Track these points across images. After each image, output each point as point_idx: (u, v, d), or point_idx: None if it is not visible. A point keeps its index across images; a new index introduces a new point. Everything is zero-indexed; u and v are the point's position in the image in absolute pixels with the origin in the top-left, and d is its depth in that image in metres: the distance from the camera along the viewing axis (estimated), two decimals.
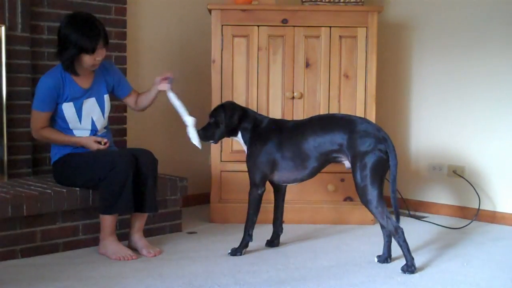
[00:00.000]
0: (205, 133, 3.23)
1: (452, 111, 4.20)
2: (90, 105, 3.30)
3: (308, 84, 3.89)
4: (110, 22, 3.76)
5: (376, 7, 3.92)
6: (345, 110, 3.85)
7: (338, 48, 3.88)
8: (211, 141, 3.28)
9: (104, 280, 2.76)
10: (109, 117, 3.44)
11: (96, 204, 3.20)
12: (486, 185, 4.06)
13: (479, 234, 3.73)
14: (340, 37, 3.87)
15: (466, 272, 2.97)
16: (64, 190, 3.15)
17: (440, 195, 4.28)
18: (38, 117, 3.23)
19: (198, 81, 4.45)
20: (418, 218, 4.12)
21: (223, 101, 3.76)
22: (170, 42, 4.36)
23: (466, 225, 3.88)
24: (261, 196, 3.20)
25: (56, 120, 3.27)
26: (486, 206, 4.04)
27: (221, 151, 3.89)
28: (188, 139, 3.24)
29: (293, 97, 3.88)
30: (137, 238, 3.23)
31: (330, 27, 3.86)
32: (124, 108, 3.87)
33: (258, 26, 3.86)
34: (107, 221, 3.12)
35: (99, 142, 3.22)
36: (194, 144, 3.23)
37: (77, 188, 3.19)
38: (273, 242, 3.38)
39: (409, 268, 2.91)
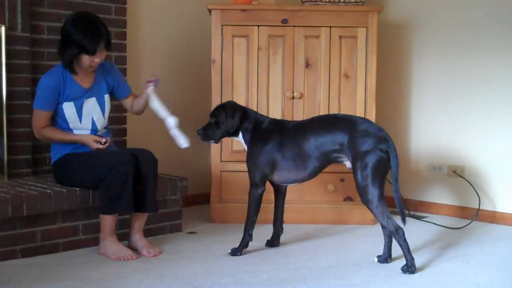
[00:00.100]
0: (206, 132, 3.23)
1: (452, 111, 4.20)
2: (91, 105, 3.30)
3: (308, 84, 3.89)
4: (110, 22, 3.76)
5: (376, 7, 3.92)
6: (345, 110, 3.86)
7: (338, 48, 3.88)
8: (212, 140, 3.28)
9: (104, 280, 2.76)
10: (109, 117, 3.44)
11: (96, 204, 3.20)
12: (486, 185, 4.06)
13: (479, 234, 3.73)
14: (340, 37, 3.87)
15: (466, 272, 2.97)
16: (64, 190, 3.15)
17: (440, 195, 4.28)
18: (40, 117, 3.23)
19: (198, 81, 4.45)
20: (418, 218, 4.12)
21: (223, 101, 3.76)
22: (170, 42, 4.36)
23: (466, 225, 3.88)
24: (261, 196, 3.20)
25: (56, 119, 3.27)
26: (486, 206, 4.04)
27: (221, 151, 3.89)
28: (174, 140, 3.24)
29: (293, 97, 3.88)
30: (137, 238, 3.23)
31: (330, 27, 3.86)
32: (124, 108, 3.87)
33: (258, 26, 3.86)
34: (107, 221, 3.12)
35: (100, 142, 3.22)
36: (181, 145, 3.23)
37: (77, 188, 3.19)
38: (273, 242, 3.38)
39: (409, 268, 2.91)
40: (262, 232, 3.43)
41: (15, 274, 2.83)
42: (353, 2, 3.95)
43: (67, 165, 3.23)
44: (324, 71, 3.88)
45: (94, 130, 3.31)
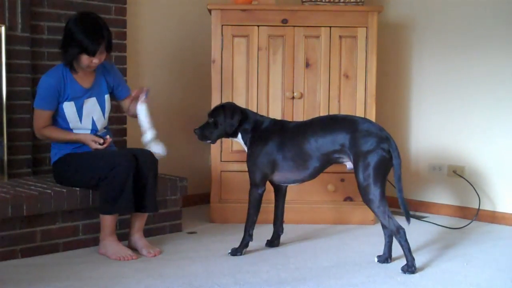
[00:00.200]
0: (203, 132, 3.23)
1: (452, 111, 4.20)
2: (91, 105, 3.30)
3: (308, 84, 3.89)
4: (110, 22, 3.74)
5: (376, 7, 3.92)
6: (345, 110, 3.86)
7: (338, 48, 3.87)
8: (209, 141, 3.27)
9: (104, 280, 2.76)
10: (109, 117, 3.44)
11: (96, 204, 3.20)
12: (486, 185, 4.06)
13: (479, 234, 3.73)
14: (340, 37, 3.87)
15: (466, 272, 2.97)
16: (64, 190, 3.15)
17: (440, 195, 4.28)
18: (40, 116, 3.23)
19: (198, 81, 4.45)
20: (418, 218, 4.12)
21: (223, 101, 3.77)
22: (170, 42, 4.36)
23: (466, 225, 3.88)
24: (261, 196, 3.20)
25: (56, 119, 3.27)
26: (486, 206, 4.04)
27: (221, 151, 3.89)
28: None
29: (293, 97, 3.88)
30: (137, 238, 3.23)
31: (330, 27, 3.86)
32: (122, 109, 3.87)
33: (258, 26, 3.86)
34: (107, 221, 3.12)
35: (100, 142, 3.21)
36: (158, 153, 3.28)
37: (77, 188, 3.19)
38: (273, 242, 3.38)
39: (410, 268, 2.91)
40: (262, 232, 3.43)
41: (15, 274, 2.83)
42: (353, 2, 3.95)
43: (67, 165, 3.23)
44: (324, 71, 3.88)
45: (94, 130, 3.31)
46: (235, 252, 3.19)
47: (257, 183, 3.18)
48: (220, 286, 2.71)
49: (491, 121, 4.02)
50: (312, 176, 3.18)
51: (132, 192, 3.10)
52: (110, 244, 3.13)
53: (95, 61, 3.18)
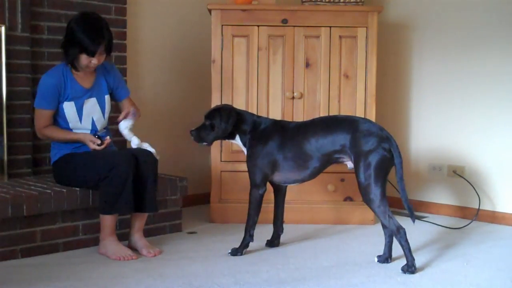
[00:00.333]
0: (199, 134, 3.20)
1: (452, 111, 4.20)
2: (91, 105, 3.30)
3: (308, 84, 3.89)
4: (110, 22, 3.73)
5: (376, 7, 3.92)
6: (345, 110, 3.86)
7: (338, 48, 3.87)
8: (204, 143, 3.25)
9: (104, 280, 2.76)
10: (109, 117, 3.44)
11: (96, 204, 3.20)
12: (486, 185, 4.06)
13: (479, 234, 3.73)
14: (340, 37, 3.87)
15: (466, 272, 2.97)
16: (64, 190, 3.15)
17: (440, 195, 4.28)
18: (41, 116, 3.23)
19: (198, 81, 4.45)
20: (418, 218, 4.11)
21: (223, 101, 3.77)
22: (170, 42, 4.36)
23: (466, 225, 3.88)
24: (262, 196, 3.19)
25: (56, 119, 3.27)
26: (486, 206, 4.04)
27: (221, 151, 3.89)
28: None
29: (293, 97, 3.88)
30: (137, 238, 3.23)
31: (330, 27, 3.86)
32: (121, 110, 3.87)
33: (258, 26, 3.86)
34: (107, 221, 3.12)
35: (97, 143, 3.20)
36: (153, 151, 3.29)
37: (77, 188, 3.19)
38: (273, 242, 3.38)
39: (410, 268, 2.91)
40: (262, 232, 3.42)
41: (15, 274, 2.83)
42: (353, 2, 3.95)
43: (67, 165, 3.23)
44: (324, 71, 3.88)
45: (94, 130, 3.31)
46: (235, 252, 3.18)
47: (257, 184, 3.18)
48: (220, 286, 2.71)
49: (491, 121, 4.02)
50: (312, 176, 3.18)
51: (132, 192, 3.10)
52: (110, 244, 3.13)
53: (94, 61, 3.18)
